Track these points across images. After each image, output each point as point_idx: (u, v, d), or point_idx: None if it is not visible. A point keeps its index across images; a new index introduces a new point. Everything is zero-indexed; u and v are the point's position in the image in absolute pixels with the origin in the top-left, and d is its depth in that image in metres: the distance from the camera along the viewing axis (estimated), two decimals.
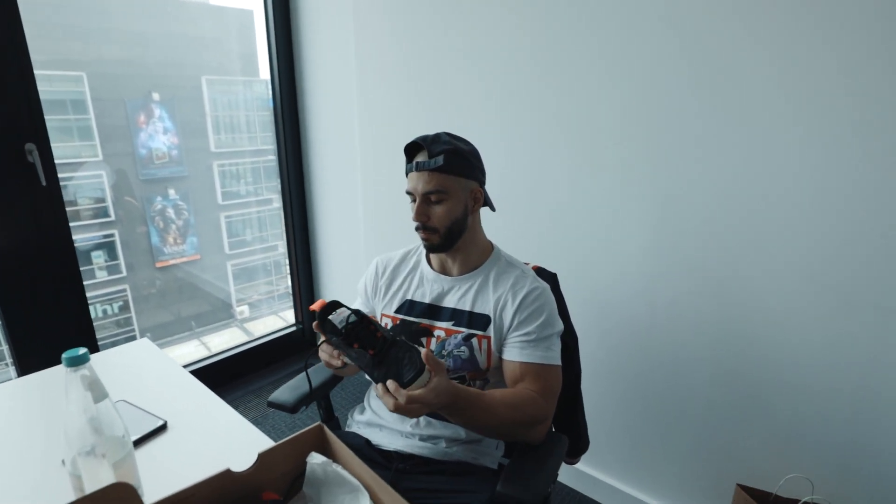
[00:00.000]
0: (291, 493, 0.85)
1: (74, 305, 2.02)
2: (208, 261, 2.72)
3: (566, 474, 1.93)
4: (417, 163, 1.11)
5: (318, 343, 1.04)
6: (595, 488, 1.86)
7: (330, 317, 0.96)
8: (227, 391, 2.59)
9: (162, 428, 1.05)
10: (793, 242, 1.28)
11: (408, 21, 2.02)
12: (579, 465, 1.86)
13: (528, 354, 1.09)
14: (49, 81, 2.08)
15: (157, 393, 1.18)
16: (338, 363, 1.01)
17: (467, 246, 1.18)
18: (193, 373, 1.23)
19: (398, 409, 0.88)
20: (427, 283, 1.21)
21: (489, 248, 1.23)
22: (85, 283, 2.18)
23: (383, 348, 0.93)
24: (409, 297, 1.22)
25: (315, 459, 0.83)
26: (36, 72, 1.80)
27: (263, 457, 0.82)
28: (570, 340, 1.27)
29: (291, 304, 2.99)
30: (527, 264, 1.26)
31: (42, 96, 1.83)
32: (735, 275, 1.39)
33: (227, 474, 0.79)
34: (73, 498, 0.70)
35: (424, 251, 1.26)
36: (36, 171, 1.79)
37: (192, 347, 2.71)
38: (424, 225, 1.12)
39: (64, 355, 0.74)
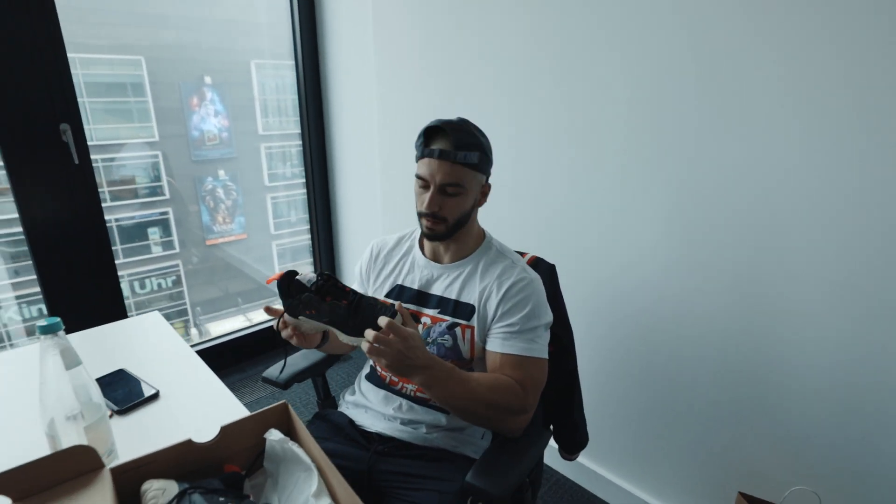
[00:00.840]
0: (254, 468, 0.88)
1: (105, 276, 2.15)
2: (254, 240, 2.82)
3: (567, 467, 1.92)
4: (442, 151, 1.05)
5: (284, 307, 0.99)
6: (596, 483, 1.83)
7: (297, 277, 0.97)
8: (248, 366, 2.68)
9: (154, 396, 1.10)
10: (808, 238, 1.18)
11: (424, 11, 2.01)
12: (580, 459, 1.82)
13: (510, 346, 1.06)
14: (111, 65, 2.22)
15: (156, 364, 1.24)
16: (289, 332, 1.01)
17: (464, 236, 1.16)
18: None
19: (375, 351, 0.90)
20: (417, 269, 1.20)
21: (481, 235, 1.20)
22: (141, 257, 2.32)
23: (356, 298, 0.95)
24: (399, 282, 1.21)
25: (273, 436, 0.85)
26: (97, 56, 1.90)
27: (226, 430, 0.85)
28: (563, 333, 1.23)
29: None
30: (524, 254, 1.23)
31: (103, 80, 1.93)
32: (746, 271, 1.30)
33: (187, 444, 0.82)
34: None
35: (418, 236, 1.25)
36: (69, 150, 1.90)
37: (238, 322, 2.82)
38: (434, 214, 1.08)
39: (38, 324, 0.79)
